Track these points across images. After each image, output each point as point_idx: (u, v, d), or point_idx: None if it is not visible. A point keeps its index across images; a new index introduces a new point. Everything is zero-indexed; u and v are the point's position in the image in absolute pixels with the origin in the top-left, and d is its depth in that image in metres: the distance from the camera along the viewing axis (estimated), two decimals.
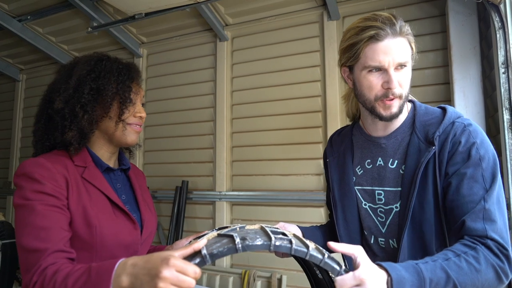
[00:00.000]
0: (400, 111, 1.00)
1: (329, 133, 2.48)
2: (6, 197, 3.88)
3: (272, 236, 0.72)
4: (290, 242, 0.71)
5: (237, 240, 0.69)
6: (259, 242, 0.69)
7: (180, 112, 3.07)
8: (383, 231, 1.06)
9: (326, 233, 1.25)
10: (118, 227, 1.01)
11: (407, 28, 0.97)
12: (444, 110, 1.03)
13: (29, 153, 3.77)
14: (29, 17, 2.98)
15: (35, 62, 3.81)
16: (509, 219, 1.56)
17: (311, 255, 0.70)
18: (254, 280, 2.54)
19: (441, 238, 0.96)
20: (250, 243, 0.69)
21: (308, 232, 1.19)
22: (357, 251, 0.76)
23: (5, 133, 4.03)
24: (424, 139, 0.99)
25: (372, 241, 1.09)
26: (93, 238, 0.95)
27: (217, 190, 2.83)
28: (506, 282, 0.86)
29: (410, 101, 1.09)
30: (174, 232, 2.86)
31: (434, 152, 0.96)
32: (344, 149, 1.18)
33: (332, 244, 0.78)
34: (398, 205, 1.02)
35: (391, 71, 0.94)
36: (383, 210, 1.06)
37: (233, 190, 2.81)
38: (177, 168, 3.04)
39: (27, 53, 3.64)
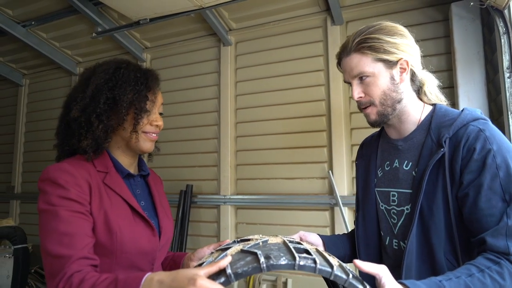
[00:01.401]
0: (382, 118, 1.04)
1: (333, 137, 2.49)
2: (9, 201, 3.88)
3: (296, 255, 0.71)
4: (315, 261, 0.70)
5: (262, 259, 0.69)
6: (283, 261, 0.68)
7: (184, 116, 3.08)
8: (395, 232, 1.07)
9: (347, 242, 1.25)
10: (138, 233, 1.01)
11: (365, 39, 1.00)
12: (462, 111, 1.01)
13: (32, 158, 3.79)
14: (33, 23, 3.00)
15: (38, 67, 3.83)
16: None
17: (336, 275, 0.69)
18: (260, 283, 2.55)
19: (450, 244, 0.93)
20: (275, 263, 0.68)
21: (329, 241, 1.18)
22: (382, 271, 0.75)
23: (8, 138, 4.04)
24: (436, 141, 0.98)
25: (387, 243, 1.10)
26: (113, 245, 0.96)
27: (221, 194, 2.84)
28: None
29: (433, 104, 1.09)
30: (179, 236, 2.86)
31: (444, 155, 0.94)
32: (371, 152, 1.21)
33: (358, 263, 0.77)
34: (409, 207, 1.02)
35: (354, 84, 1.05)
36: (395, 212, 1.06)
37: (237, 194, 2.81)
38: (182, 172, 3.04)
39: (30, 58, 3.66)
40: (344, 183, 2.43)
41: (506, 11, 1.63)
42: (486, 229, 0.86)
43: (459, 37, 2.03)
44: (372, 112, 1.04)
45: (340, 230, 2.37)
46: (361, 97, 1.05)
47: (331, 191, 2.46)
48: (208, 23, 2.74)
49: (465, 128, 0.94)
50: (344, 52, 1.05)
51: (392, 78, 1.02)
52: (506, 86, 1.65)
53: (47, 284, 0.88)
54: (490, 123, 0.96)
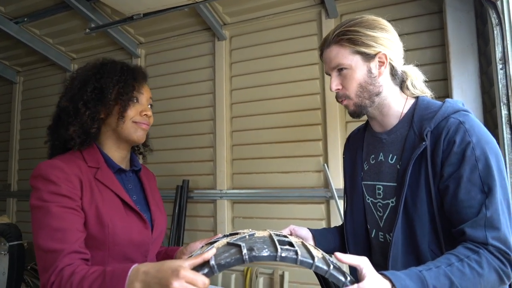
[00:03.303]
0: (360, 109, 1.06)
1: (329, 131, 2.50)
2: (6, 199, 3.87)
3: (279, 247, 0.73)
4: (296, 253, 0.72)
5: (244, 251, 0.71)
6: (265, 253, 0.71)
7: (179, 112, 3.08)
8: (381, 225, 1.08)
9: (337, 235, 1.27)
10: (130, 226, 1.04)
11: (344, 32, 1.02)
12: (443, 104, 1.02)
13: (28, 155, 3.78)
14: (26, 19, 2.97)
15: (32, 64, 3.80)
16: None
17: (317, 266, 0.71)
18: (257, 277, 2.57)
19: (434, 235, 0.95)
20: (257, 254, 0.71)
21: (319, 235, 1.21)
22: (362, 263, 0.77)
23: (3, 136, 4.02)
24: (419, 134, 0.99)
25: (373, 235, 1.12)
26: (105, 237, 0.98)
27: (217, 189, 2.84)
28: (508, 283, 0.86)
29: (416, 97, 1.10)
30: (176, 231, 2.87)
31: (426, 148, 0.95)
32: (357, 146, 1.22)
33: (338, 255, 0.79)
34: (394, 200, 1.03)
35: (332, 76, 1.07)
36: (381, 205, 1.08)
37: (233, 188, 2.82)
38: (178, 167, 3.05)
39: (24, 55, 3.63)
40: (339, 176, 2.43)
41: (498, 3, 1.63)
42: (466, 220, 0.88)
43: (453, 29, 2.03)
44: (349, 104, 1.07)
45: (336, 222, 2.39)
46: (338, 89, 1.06)
47: (327, 184, 2.47)
48: (202, 18, 2.72)
49: (446, 120, 0.95)
50: (325, 44, 1.08)
51: (370, 71, 1.03)
52: (499, 77, 1.65)
53: (40, 278, 0.90)
54: (470, 115, 0.97)
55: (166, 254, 1.22)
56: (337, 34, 1.03)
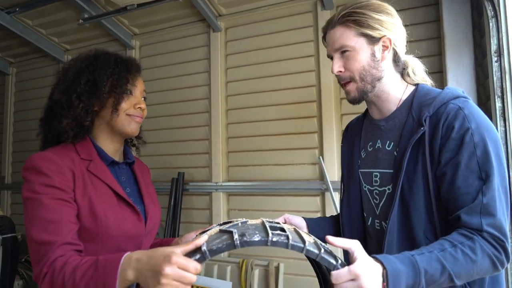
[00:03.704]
0: (361, 94, 1.04)
1: (324, 123, 2.50)
2: (0, 192, 3.85)
3: (270, 232, 0.74)
4: (287, 237, 0.73)
5: (236, 236, 0.72)
6: (256, 238, 0.72)
7: (174, 104, 3.06)
8: (378, 212, 1.08)
9: (333, 224, 1.27)
10: (123, 218, 1.03)
11: (351, 13, 1.01)
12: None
13: (22, 147, 3.74)
14: (17, 9, 2.91)
15: (25, 55, 3.74)
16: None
17: (308, 250, 0.72)
18: (252, 268, 2.58)
19: (430, 223, 0.94)
20: (248, 239, 0.72)
21: (313, 224, 1.21)
22: (354, 245, 0.77)
23: None
24: (417, 119, 0.98)
25: (369, 223, 1.11)
26: (98, 229, 0.98)
27: (213, 181, 2.84)
28: (502, 270, 0.87)
29: (416, 84, 1.09)
30: (172, 224, 2.87)
31: (425, 134, 0.94)
32: (355, 134, 1.21)
33: (330, 238, 0.79)
34: (390, 187, 1.03)
35: (335, 58, 1.04)
36: (377, 192, 1.07)
37: (229, 181, 2.82)
38: (173, 159, 3.04)
39: (16, 46, 3.57)
40: (334, 169, 2.44)
41: None
42: (462, 207, 0.87)
43: (448, 21, 2.03)
44: (352, 89, 1.05)
45: (331, 215, 2.40)
46: (340, 71, 1.05)
47: (322, 176, 2.48)
48: (197, 9, 2.69)
49: (445, 106, 0.94)
50: (329, 25, 1.06)
51: (373, 55, 1.02)
52: (494, 70, 1.65)
53: (33, 270, 0.90)
54: (470, 101, 0.96)
55: (160, 245, 1.22)
56: (343, 15, 1.02)
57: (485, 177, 0.86)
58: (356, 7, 1.02)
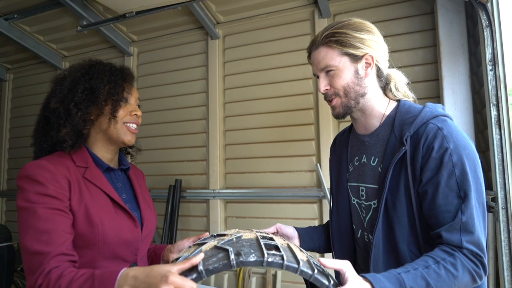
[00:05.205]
0: (346, 110, 1.08)
1: (321, 130, 2.51)
2: None
3: (265, 252, 0.75)
4: (282, 258, 0.74)
5: (232, 256, 0.73)
6: (252, 258, 0.73)
7: (172, 111, 3.06)
8: (365, 225, 1.11)
9: (322, 234, 1.29)
10: (119, 224, 1.03)
11: (333, 33, 1.04)
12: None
13: (17, 154, 3.72)
14: (16, 16, 2.93)
15: (22, 61, 3.75)
16: (495, 213, 1.61)
17: (302, 271, 0.73)
18: (249, 276, 2.57)
19: (413, 236, 0.99)
20: (244, 259, 0.73)
21: (304, 233, 1.23)
22: (345, 266, 0.81)
23: None
24: (399, 138, 1.02)
25: (359, 235, 1.15)
26: (95, 236, 0.98)
27: (210, 188, 2.84)
28: (480, 283, 0.91)
29: (397, 100, 1.13)
30: (169, 231, 2.86)
31: (406, 153, 0.98)
32: (342, 148, 1.24)
33: (322, 261, 0.82)
34: (375, 201, 1.06)
35: (321, 77, 1.08)
36: (364, 206, 1.11)
37: (226, 188, 2.82)
38: (170, 166, 3.03)
39: (14, 52, 3.58)
40: None
41: (488, 4, 1.65)
42: (443, 224, 0.92)
43: (444, 30, 2.05)
44: (337, 104, 1.08)
45: (321, 224, 2.40)
46: (327, 89, 1.08)
47: (319, 184, 2.48)
48: (195, 16, 2.71)
49: (425, 126, 0.98)
50: (313, 46, 1.09)
51: (357, 72, 1.05)
52: (489, 78, 1.67)
53: (27, 280, 0.89)
54: (448, 120, 1.00)
55: (154, 252, 1.22)
56: (326, 36, 1.05)
57: (463, 195, 0.91)
58: (338, 27, 1.05)
